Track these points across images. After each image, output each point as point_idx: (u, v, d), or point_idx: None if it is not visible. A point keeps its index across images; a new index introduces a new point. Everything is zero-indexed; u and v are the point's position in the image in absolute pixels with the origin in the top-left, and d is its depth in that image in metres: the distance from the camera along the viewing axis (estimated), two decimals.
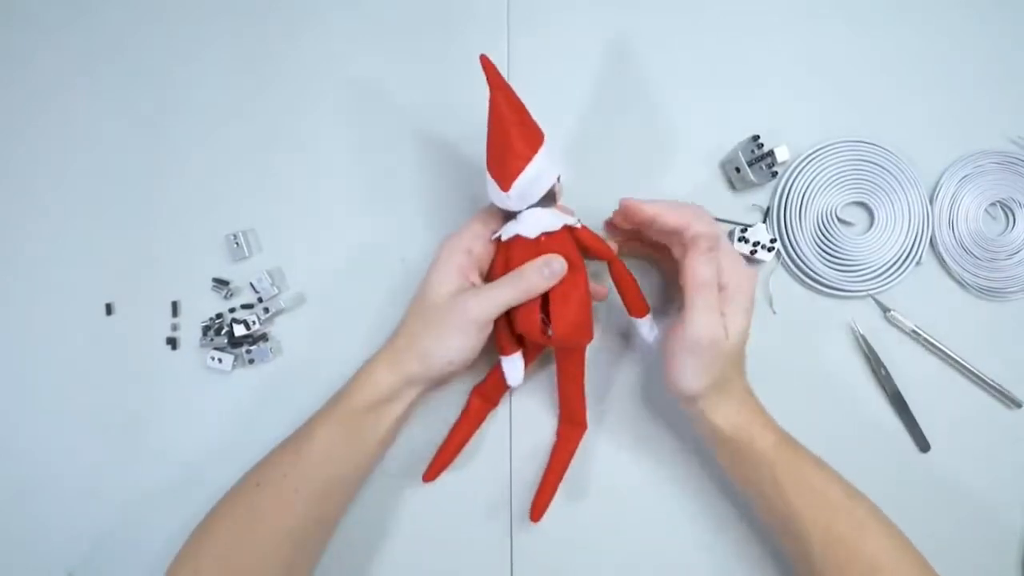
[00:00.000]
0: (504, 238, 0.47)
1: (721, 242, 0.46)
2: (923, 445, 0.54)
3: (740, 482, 0.48)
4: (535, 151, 0.44)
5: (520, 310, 0.46)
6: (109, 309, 0.57)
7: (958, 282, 0.56)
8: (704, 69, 0.59)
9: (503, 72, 0.59)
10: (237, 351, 0.56)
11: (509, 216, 0.48)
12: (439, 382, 0.49)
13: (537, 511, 0.50)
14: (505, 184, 0.44)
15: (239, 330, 0.55)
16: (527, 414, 0.55)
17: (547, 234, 0.46)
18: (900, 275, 0.55)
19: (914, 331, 0.55)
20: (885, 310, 0.55)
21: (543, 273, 0.45)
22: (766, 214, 0.57)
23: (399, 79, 0.59)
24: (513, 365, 0.49)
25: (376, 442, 0.48)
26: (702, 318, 0.44)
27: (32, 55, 0.61)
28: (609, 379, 0.55)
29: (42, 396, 0.57)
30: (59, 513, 0.55)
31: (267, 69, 0.60)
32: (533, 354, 0.51)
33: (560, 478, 0.52)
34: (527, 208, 0.46)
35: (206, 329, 0.56)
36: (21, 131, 0.60)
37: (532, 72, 0.59)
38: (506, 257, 0.47)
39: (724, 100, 0.58)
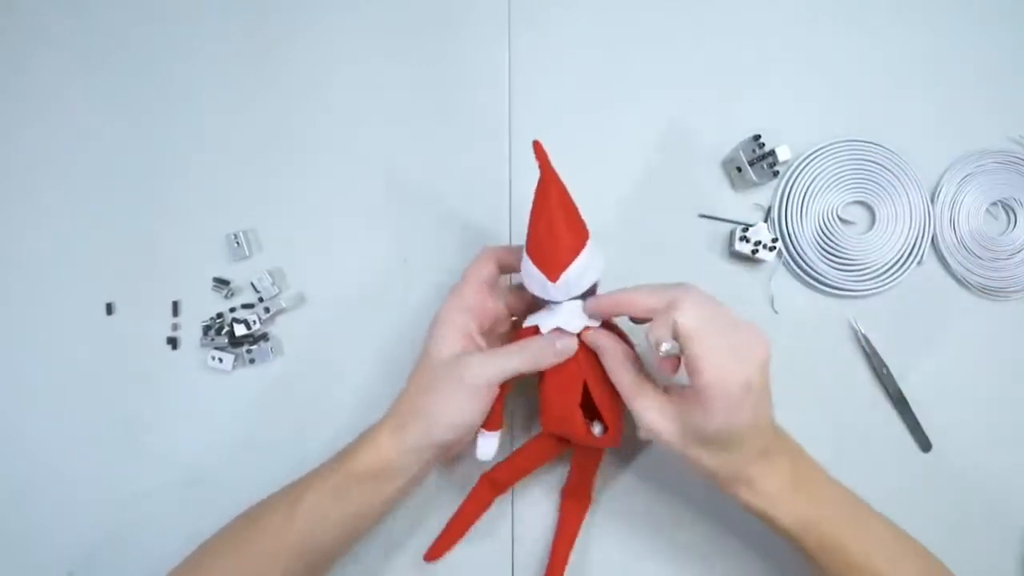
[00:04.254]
0: (543, 329, 0.45)
1: (682, 299, 0.39)
2: (924, 444, 0.54)
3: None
4: (584, 244, 0.43)
5: (557, 402, 0.45)
6: (109, 309, 0.57)
7: (959, 281, 0.56)
8: (705, 68, 0.59)
9: (503, 72, 0.59)
10: (238, 351, 0.56)
11: (534, 302, 0.46)
12: (445, 452, 0.46)
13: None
14: (553, 274, 0.42)
15: (240, 330, 0.55)
16: (530, 499, 0.54)
17: (588, 327, 0.44)
18: (901, 274, 0.55)
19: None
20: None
21: (554, 347, 0.44)
22: (767, 213, 0.57)
23: (399, 79, 0.59)
24: (488, 442, 0.46)
25: (372, 512, 0.45)
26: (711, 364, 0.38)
27: (32, 55, 0.61)
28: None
29: (42, 396, 0.57)
30: (59, 513, 0.55)
31: (267, 69, 0.60)
32: (556, 449, 0.49)
33: (569, 551, 0.51)
34: (568, 300, 0.44)
35: (207, 329, 0.56)
36: (21, 131, 0.60)
37: (532, 72, 0.59)
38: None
39: (725, 99, 0.58)
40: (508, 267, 0.47)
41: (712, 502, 0.52)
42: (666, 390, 0.42)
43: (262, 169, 0.59)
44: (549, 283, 0.42)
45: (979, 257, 0.56)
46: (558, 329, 0.44)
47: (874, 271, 0.55)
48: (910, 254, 0.56)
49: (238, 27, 0.61)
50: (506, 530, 0.54)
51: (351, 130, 0.59)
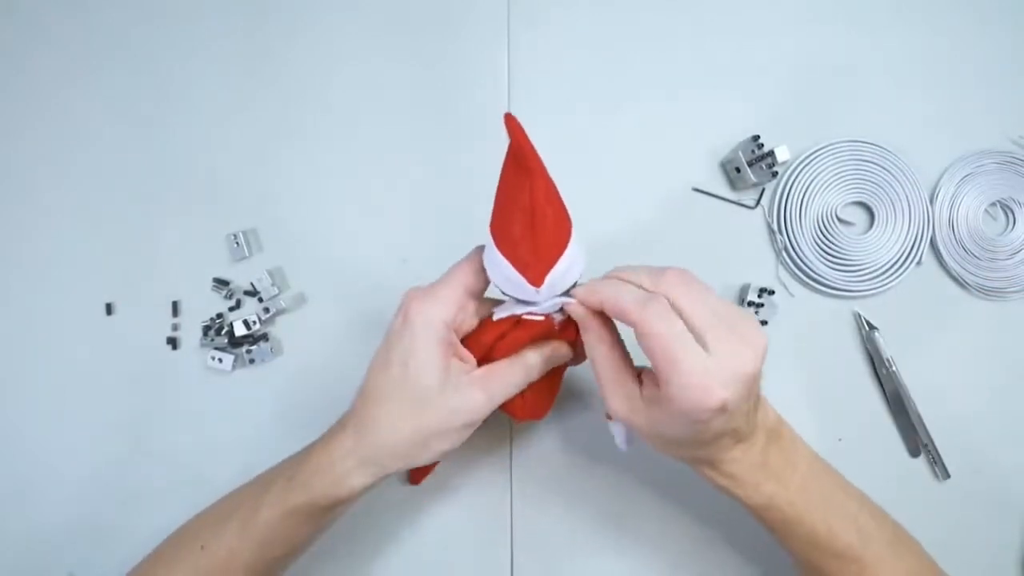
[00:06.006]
0: (507, 315, 0.40)
1: (664, 279, 0.36)
2: (923, 444, 0.54)
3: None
4: (570, 236, 0.38)
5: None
6: (109, 309, 0.57)
7: (958, 282, 0.56)
8: (704, 69, 0.59)
9: (503, 72, 0.59)
10: (238, 351, 0.56)
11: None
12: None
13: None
14: (537, 278, 0.37)
15: (239, 329, 0.55)
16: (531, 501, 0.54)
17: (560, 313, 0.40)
18: (900, 275, 0.55)
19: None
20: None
21: (550, 361, 0.42)
22: (766, 213, 0.57)
23: (399, 79, 0.59)
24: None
25: (328, 526, 0.45)
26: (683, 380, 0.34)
27: (32, 55, 0.61)
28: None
29: (42, 396, 0.57)
30: (59, 513, 0.55)
31: (267, 68, 0.60)
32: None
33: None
34: (550, 301, 0.39)
35: (206, 329, 0.56)
36: (21, 131, 0.60)
37: (532, 72, 0.59)
38: (502, 334, 0.41)
39: (724, 100, 0.58)
40: None
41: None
42: (641, 376, 0.39)
43: (262, 169, 0.59)
44: (532, 288, 0.37)
45: (978, 257, 0.56)
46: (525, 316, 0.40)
47: (873, 271, 0.55)
48: (909, 254, 0.56)
49: (238, 27, 0.61)
50: (505, 535, 0.54)
51: (351, 130, 0.59)
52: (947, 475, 0.54)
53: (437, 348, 0.39)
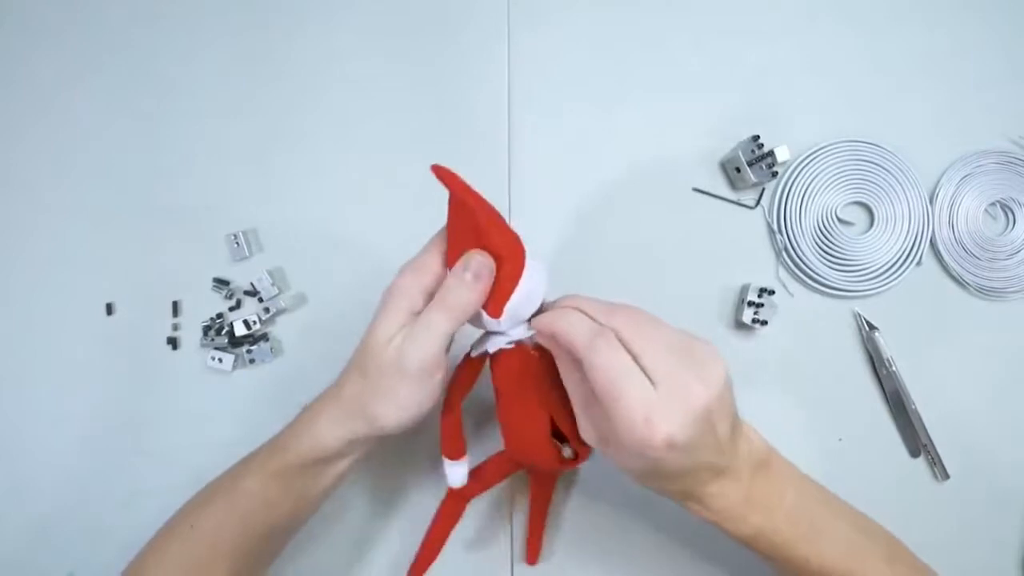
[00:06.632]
0: (489, 351, 0.40)
1: (616, 314, 0.36)
2: (924, 444, 0.54)
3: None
4: (522, 265, 0.38)
5: (523, 433, 0.41)
6: (110, 309, 0.57)
7: (958, 282, 0.56)
8: (704, 69, 0.59)
9: (503, 72, 0.59)
10: (238, 351, 0.56)
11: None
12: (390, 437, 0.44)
13: (532, 553, 0.50)
14: (495, 310, 0.38)
15: (240, 329, 0.55)
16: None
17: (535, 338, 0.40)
18: (900, 275, 0.55)
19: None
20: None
21: (465, 279, 0.37)
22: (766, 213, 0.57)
23: (399, 78, 0.59)
24: (456, 470, 0.43)
25: (315, 496, 0.44)
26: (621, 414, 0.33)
27: (32, 55, 0.61)
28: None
29: (42, 396, 0.57)
30: (59, 513, 0.55)
31: (267, 68, 0.60)
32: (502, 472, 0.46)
33: (543, 521, 0.50)
34: (516, 327, 0.40)
35: (207, 329, 0.56)
36: (21, 131, 0.60)
37: (532, 72, 0.59)
38: (480, 370, 0.42)
39: (724, 100, 0.58)
40: None
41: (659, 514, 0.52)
42: None
43: (262, 169, 0.59)
44: (492, 320, 0.38)
45: (978, 257, 0.56)
46: (503, 350, 0.40)
47: (873, 271, 0.55)
48: (909, 254, 0.56)
49: (238, 27, 0.61)
50: (506, 541, 0.54)
51: (351, 130, 0.59)
52: (947, 475, 0.54)
53: (398, 311, 0.39)
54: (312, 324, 0.57)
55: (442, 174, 0.35)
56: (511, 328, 0.39)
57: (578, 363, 0.36)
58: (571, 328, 0.36)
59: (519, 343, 0.40)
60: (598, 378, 0.34)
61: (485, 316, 0.38)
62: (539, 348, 0.40)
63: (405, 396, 0.39)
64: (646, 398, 0.33)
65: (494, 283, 0.38)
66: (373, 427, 0.40)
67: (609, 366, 0.34)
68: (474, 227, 0.36)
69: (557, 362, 0.39)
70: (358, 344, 0.41)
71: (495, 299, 0.38)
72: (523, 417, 0.41)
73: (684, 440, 0.33)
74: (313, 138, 0.59)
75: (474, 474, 0.45)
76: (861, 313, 0.55)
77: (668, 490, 0.38)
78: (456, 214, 0.37)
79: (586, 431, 0.39)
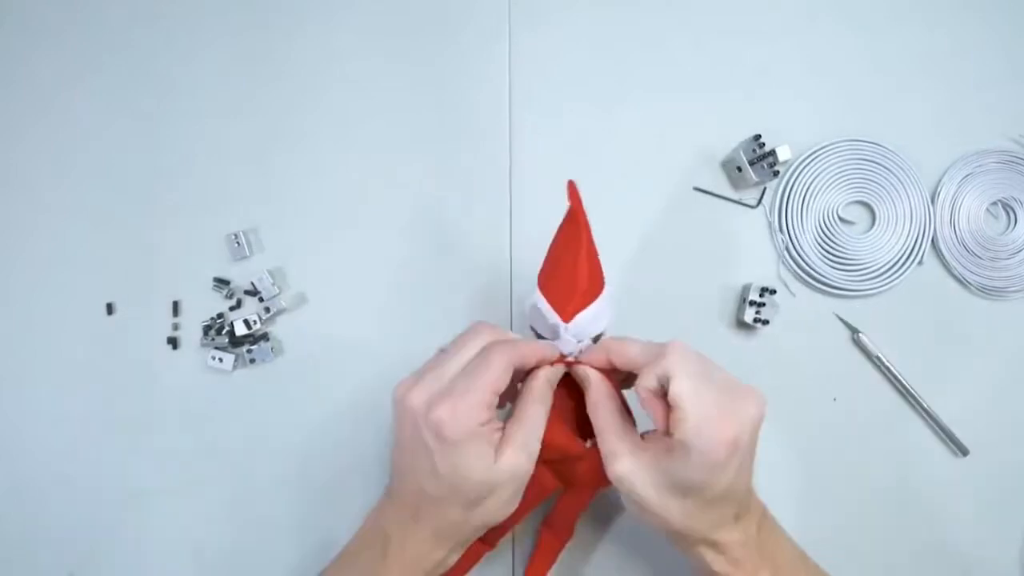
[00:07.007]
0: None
1: (667, 348, 0.38)
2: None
3: None
4: (601, 291, 0.43)
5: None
6: (110, 309, 0.57)
7: (959, 281, 0.56)
8: (705, 69, 0.59)
9: (503, 72, 0.59)
10: (238, 351, 0.56)
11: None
12: None
13: None
14: (567, 314, 0.42)
15: (240, 329, 0.55)
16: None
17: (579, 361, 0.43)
18: (901, 274, 0.55)
19: (878, 358, 0.54)
20: (854, 331, 0.55)
21: (551, 379, 0.41)
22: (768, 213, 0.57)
23: (399, 78, 0.59)
24: None
25: None
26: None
27: (32, 55, 0.61)
28: None
29: (42, 396, 0.56)
30: (59, 513, 0.55)
31: (267, 68, 0.60)
32: (544, 493, 0.46)
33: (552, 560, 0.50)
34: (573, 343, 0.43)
35: (207, 329, 0.56)
36: (21, 131, 0.60)
37: (532, 72, 0.59)
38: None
39: (725, 99, 0.58)
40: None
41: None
42: (644, 437, 0.40)
43: (262, 169, 0.59)
44: (561, 323, 0.42)
45: (979, 257, 0.56)
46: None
47: (874, 271, 0.55)
48: (910, 254, 0.56)
49: (238, 27, 0.61)
50: (506, 548, 0.54)
51: (351, 130, 0.59)
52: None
53: (485, 449, 0.38)
54: (312, 324, 0.57)
55: (572, 190, 0.39)
56: (572, 340, 0.42)
57: (610, 389, 0.41)
58: (632, 347, 0.39)
59: (563, 355, 0.43)
60: (672, 379, 0.36)
61: (556, 318, 0.42)
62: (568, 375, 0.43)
63: (513, 504, 0.40)
64: (715, 400, 0.36)
65: (574, 296, 0.41)
66: (479, 533, 0.42)
67: (680, 370, 0.36)
68: (577, 241, 0.41)
69: (588, 392, 0.41)
70: (441, 484, 0.38)
71: (570, 307, 0.42)
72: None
73: (745, 445, 0.36)
74: (313, 138, 0.59)
75: None
76: (840, 315, 0.55)
77: (690, 528, 0.38)
78: (567, 227, 0.41)
79: (622, 452, 0.38)
